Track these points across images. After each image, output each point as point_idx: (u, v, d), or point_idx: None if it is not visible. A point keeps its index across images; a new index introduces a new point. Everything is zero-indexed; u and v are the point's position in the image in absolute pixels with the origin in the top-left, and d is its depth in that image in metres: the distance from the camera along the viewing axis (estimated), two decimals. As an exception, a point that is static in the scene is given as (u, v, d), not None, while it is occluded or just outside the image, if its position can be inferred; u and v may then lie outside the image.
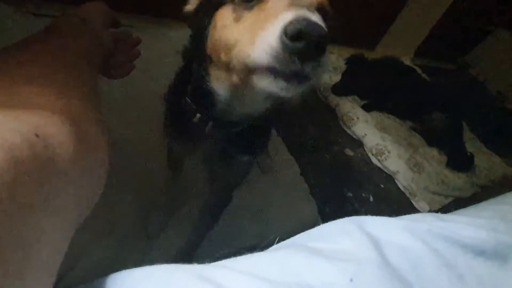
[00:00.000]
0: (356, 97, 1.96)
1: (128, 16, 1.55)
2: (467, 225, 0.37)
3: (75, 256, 0.86)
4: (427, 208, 1.64)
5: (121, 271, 0.25)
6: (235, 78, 0.45)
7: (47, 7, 1.40)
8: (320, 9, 0.44)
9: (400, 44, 2.37)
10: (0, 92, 0.25)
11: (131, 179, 1.08)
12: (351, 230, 0.34)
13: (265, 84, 0.40)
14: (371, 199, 1.59)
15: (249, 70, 0.40)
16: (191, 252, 0.96)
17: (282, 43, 0.35)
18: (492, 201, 0.51)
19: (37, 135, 0.21)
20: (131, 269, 0.25)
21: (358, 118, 1.83)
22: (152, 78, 1.27)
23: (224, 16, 0.45)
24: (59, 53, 0.35)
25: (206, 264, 0.27)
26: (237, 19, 0.44)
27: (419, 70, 2.27)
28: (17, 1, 1.33)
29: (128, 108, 1.21)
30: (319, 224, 1.36)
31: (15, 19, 1.27)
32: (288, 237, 1.12)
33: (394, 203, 1.63)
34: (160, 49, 1.48)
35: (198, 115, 0.55)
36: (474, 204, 0.52)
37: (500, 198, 0.51)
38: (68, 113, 0.25)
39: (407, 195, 1.67)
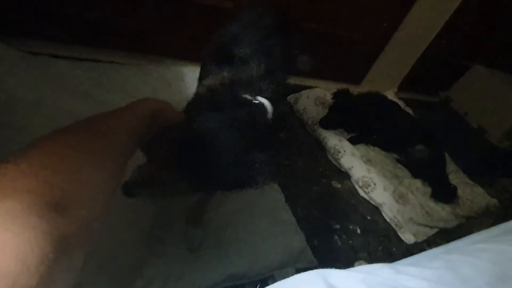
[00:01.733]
0: (343, 131, 2.05)
1: (120, 53, 1.64)
2: (414, 277, 0.42)
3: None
4: (413, 239, 1.68)
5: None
6: None
7: (45, 46, 1.45)
8: None
9: (385, 79, 2.50)
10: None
11: (123, 216, 1.11)
12: (317, 281, 0.39)
13: None
14: (358, 231, 1.63)
15: None
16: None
17: None
18: (443, 248, 0.56)
19: None
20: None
21: (345, 151, 1.90)
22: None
23: None
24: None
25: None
26: None
27: (402, 104, 2.39)
28: (14, 40, 1.38)
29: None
30: (308, 253, 1.38)
31: (16, 58, 1.34)
32: (277, 266, 1.13)
33: (381, 235, 1.67)
34: (153, 85, 1.57)
35: None
36: (460, 235, 0.57)
37: (452, 244, 0.57)
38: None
39: (393, 226, 1.71)
